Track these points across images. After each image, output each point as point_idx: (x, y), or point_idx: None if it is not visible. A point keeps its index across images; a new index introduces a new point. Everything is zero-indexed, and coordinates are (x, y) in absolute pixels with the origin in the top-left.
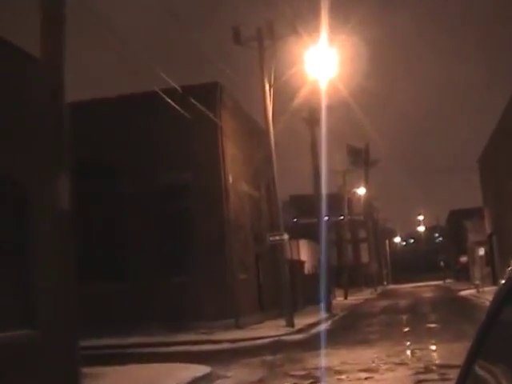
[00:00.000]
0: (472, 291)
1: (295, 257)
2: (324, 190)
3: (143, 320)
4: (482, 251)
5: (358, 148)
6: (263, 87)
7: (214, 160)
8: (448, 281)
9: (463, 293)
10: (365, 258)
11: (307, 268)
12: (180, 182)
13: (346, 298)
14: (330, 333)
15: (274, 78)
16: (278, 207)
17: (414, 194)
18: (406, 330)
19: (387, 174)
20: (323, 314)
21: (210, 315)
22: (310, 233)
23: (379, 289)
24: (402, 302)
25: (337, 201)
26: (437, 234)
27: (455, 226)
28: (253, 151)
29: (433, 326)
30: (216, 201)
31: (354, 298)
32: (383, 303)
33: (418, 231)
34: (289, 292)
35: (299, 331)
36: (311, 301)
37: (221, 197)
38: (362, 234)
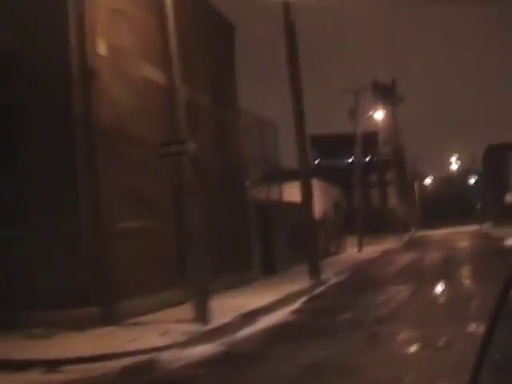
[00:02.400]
0: None
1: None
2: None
3: None
4: None
5: (384, 83)
6: None
7: (61, 10)
8: (486, 226)
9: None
10: (393, 202)
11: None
12: None
13: (360, 249)
14: (274, 340)
15: None
16: (179, 98)
17: (445, 133)
18: (431, 336)
19: (416, 111)
20: (301, 283)
21: (58, 299)
22: (332, 175)
23: (406, 236)
24: (431, 256)
25: (362, 142)
26: (472, 177)
27: (495, 161)
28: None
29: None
30: (66, 86)
31: (372, 250)
32: (405, 258)
33: (450, 172)
34: (200, 254)
35: (210, 334)
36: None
37: (69, 78)
38: (390, 176)
